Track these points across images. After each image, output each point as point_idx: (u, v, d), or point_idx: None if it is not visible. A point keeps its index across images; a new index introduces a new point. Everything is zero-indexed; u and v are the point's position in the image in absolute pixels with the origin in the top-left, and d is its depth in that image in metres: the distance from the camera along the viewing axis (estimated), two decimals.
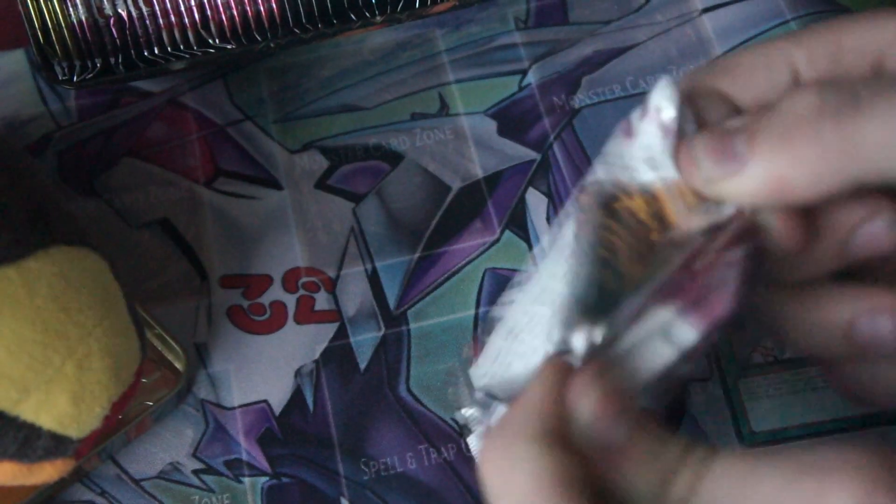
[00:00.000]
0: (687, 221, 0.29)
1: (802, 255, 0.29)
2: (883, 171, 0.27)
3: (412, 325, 0.49)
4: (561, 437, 0.27)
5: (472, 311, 0.50)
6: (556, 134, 0.54)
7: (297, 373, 0.48)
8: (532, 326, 0.32)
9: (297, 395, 0.48)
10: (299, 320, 0.50)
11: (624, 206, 0.31)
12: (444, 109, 0.55)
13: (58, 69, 0.52)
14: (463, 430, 0.41)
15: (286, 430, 0.47)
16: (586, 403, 0.27)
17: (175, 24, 0.52)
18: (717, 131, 0.29)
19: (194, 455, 0.47)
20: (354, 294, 0.50)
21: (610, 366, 0.28)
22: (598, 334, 0.28)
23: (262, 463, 0.46)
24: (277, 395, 0.48)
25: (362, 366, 0.49)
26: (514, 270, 0.51)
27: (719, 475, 0.26)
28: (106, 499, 0.46)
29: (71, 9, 0.51)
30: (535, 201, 0.52)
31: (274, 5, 0.53)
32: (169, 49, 0.53)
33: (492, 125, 0.55)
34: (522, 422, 0.27)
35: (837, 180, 0.27)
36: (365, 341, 0.49)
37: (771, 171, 0.28)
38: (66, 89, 0.55)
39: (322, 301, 0.50)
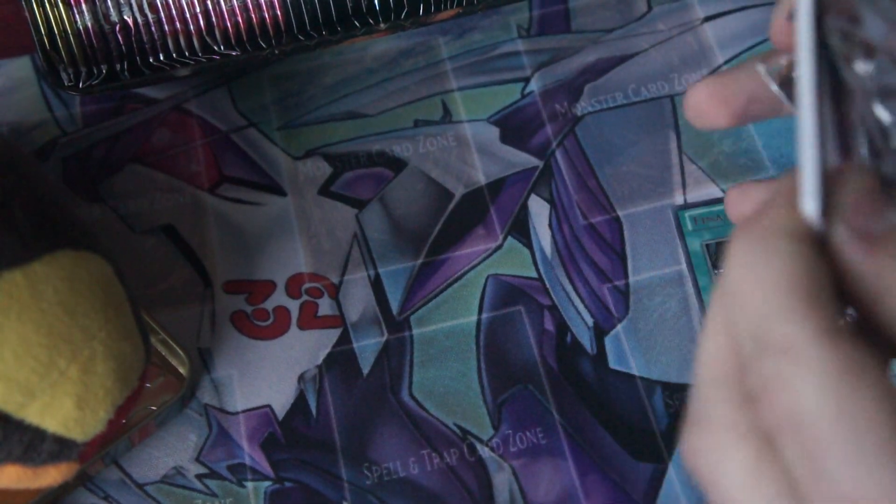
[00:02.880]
0: None
1: None
2: None
3: (415, 331, 0.49)
4: (818, 239, 0.25)
5: (474, 317, 0.50)
6: (559, 141, 0.54)
7: (301, 378, 0.49)
8: None
9: (300, 400, 0.48)
10: (302, 326, 0.50)
11: None
12: (447, 116, 0.55)
13: (63, 75, 0.52)
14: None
15: (289, 435, 0.47)
16: (847, 194, 0.25)
17: (180, 30, 0.53)
18: None
19: (198, 459, 0.47)
20: (357, 300, 0.50)
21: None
22: None
23: (265, 467, 0.47)
24: (280, 400, 0.48)
25: (365, 371, 0.49)
26: (517, 277, 0.51)
27: None
28: (109, 503, 0.46)
29: (77, 15, 0.52)
30: (538, 208, 0.53)
31: (279, 13, 0.53)
32: (174, 56, 0.53)
33: (494, 132, 0.55)
34: (783, 214, 0.25)
35: None
36: (368, 347, 0.49)
37: None
38: (72, 95, 0.55)
39: (325, 307, 0.50)
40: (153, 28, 0.52)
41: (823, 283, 0.24)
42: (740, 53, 0.57)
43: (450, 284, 0.51)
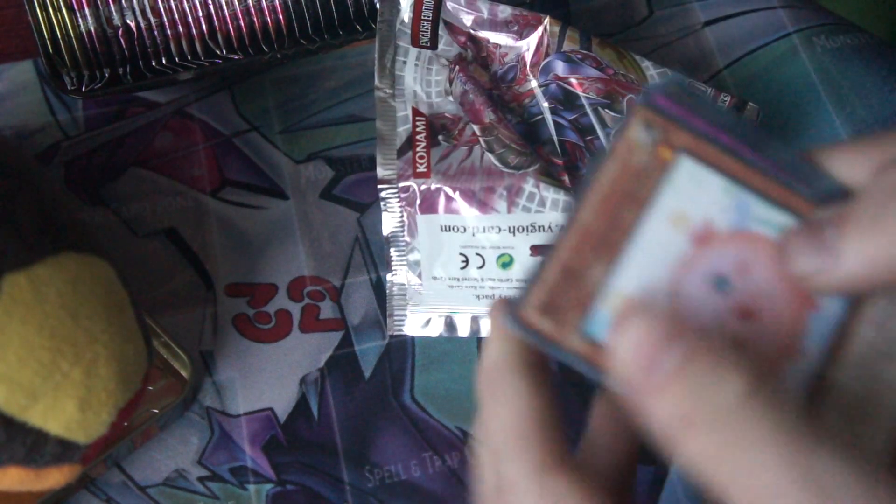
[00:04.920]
0: None
1: None
2: None
3: (416, 334, 0.49)
4: (538, 363, 0.28)
5: None
6: None
7: (302, 381, 0.49)
8: None
9: (301, 402, 0.48)
10: (304, 329, 0.50)
11: None
12: None
13: (66, 79, 0.52)
14: None
15: (291, 438, 0.47)
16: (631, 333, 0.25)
17: (183, 34, 0.53)
18: (807, 225, 0.29)
19: (199, 462, 0.47)
20: (359, 303, 0.50)
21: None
22: None
23: (267, 470, 0.47)
24: (282, 403, 0.48)
25: (367, 374, 0.49)
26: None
27: None
28: None
29: (80, 19, 0.52)
30: None
31: (281, 17, 0.53)
32: (176, 59, 0.53)
33: None
34: (497, 349, 0.28)
35: None
36: (369, 350, 0.49)
37: (865, 253, 0.27)
38: (74, 99, 0.55)
39: (327, 310, 0.50)
40: (156, 32, 0.53)
41: (545, 416, 0.27)
42: (741, 58, 0.57)
43: None
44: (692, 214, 0.28)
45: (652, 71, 0.49)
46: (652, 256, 0.27)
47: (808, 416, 0.23)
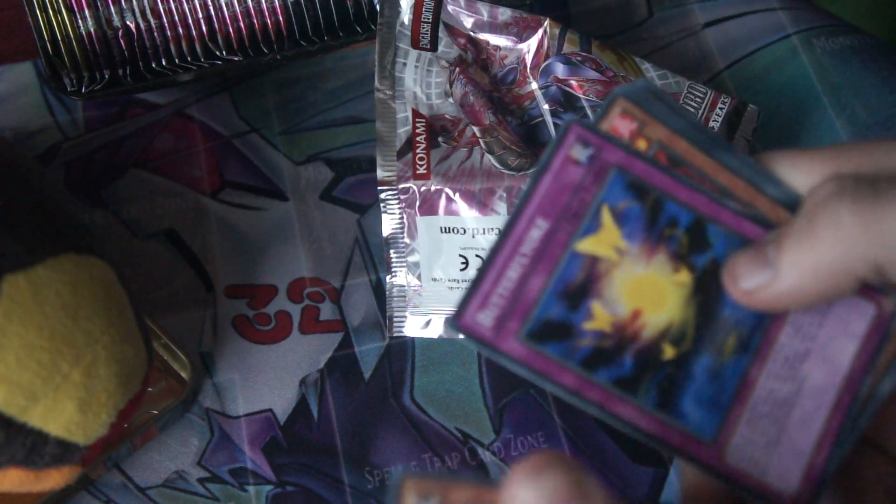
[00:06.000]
0: None
1: None
2: None
3: (416, 335, 0.49)
4: None
5: None
6: None
7: (302, 382, 0.49)
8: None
9: (301, 404, 0.48)
10: (304, 330, 0.50)
11: None
12: None
13: (66, 80, 0.52)
14: None
15: (291, 439, 0.47)
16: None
17: (183, 36, 0.53)
18: (752, 245, 0.30)
19: (199, 464, 0.47)
20: (359, 304, 0.50)
21: None
22: None
23: (267, 471, 0.47)
24: (282, 405, 0.48)
25: (367, 375, 0.49)
26: None
27: None
28: None
29: (80, 21, 0.52)
30: None
31: (281, 18, 0.53)
32: (176, 61, 0.53)
33: None
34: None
35: (862, 266, 0.28)
36: (369, 351, 0.49)
37: (800, 266, 0.28)
38: (74, 100, 0.56)
39: (327, 311, 0.50)
40: (155, 33, 0.53)
41: None
42: (741, 59, 0.57)
43: None
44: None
45: (652, 73, 0.50)
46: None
47: None
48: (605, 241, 0.29)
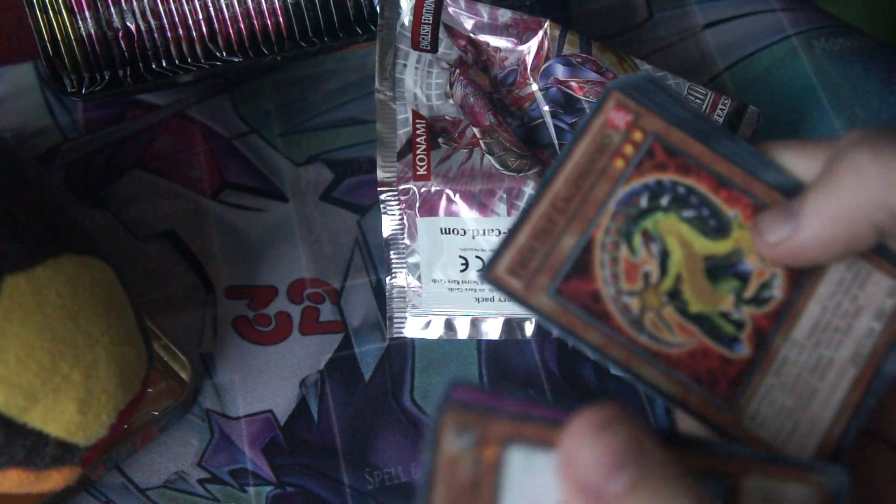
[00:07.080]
0: None
1: None
2: None
3: (416, 336, 0.49)
4: None
5: None
6: None
7: (302, 383, 0.49)
8: None
9: (301, 405, 0.48)
10: (304, 331, 0.50)
11: None
12: None
13: (66, 81, 0.52)
14: None
15: (291, 440, 0.47)
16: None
17: (183, 37, 0.53)
18: (777, 204, 0.30)
19: (199, 464, 0.47)
20: (359, 305, 0.50)
21: None
22: None
23: (267, 472, 0.47)
24: (282, 406, 0.48)
25: (367, 376, 0.49)
26: None
27: None
28: None
29: (80, 22, 0.52)
30: None
31: (281, 19, 0.53)
32: (176, 62, 0.53)
33: None
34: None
35: (881, 212, 0.28)
36: (369, 352, 0.49)
37: (821, 214, 0.28)
38: (74, 101, 0.56)
39: (327, 312, 0.50)
40: (156, 34, 0.53)
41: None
42: (741, 60, 0.57)
43: None
44: None
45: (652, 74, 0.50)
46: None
47: None
48: None
